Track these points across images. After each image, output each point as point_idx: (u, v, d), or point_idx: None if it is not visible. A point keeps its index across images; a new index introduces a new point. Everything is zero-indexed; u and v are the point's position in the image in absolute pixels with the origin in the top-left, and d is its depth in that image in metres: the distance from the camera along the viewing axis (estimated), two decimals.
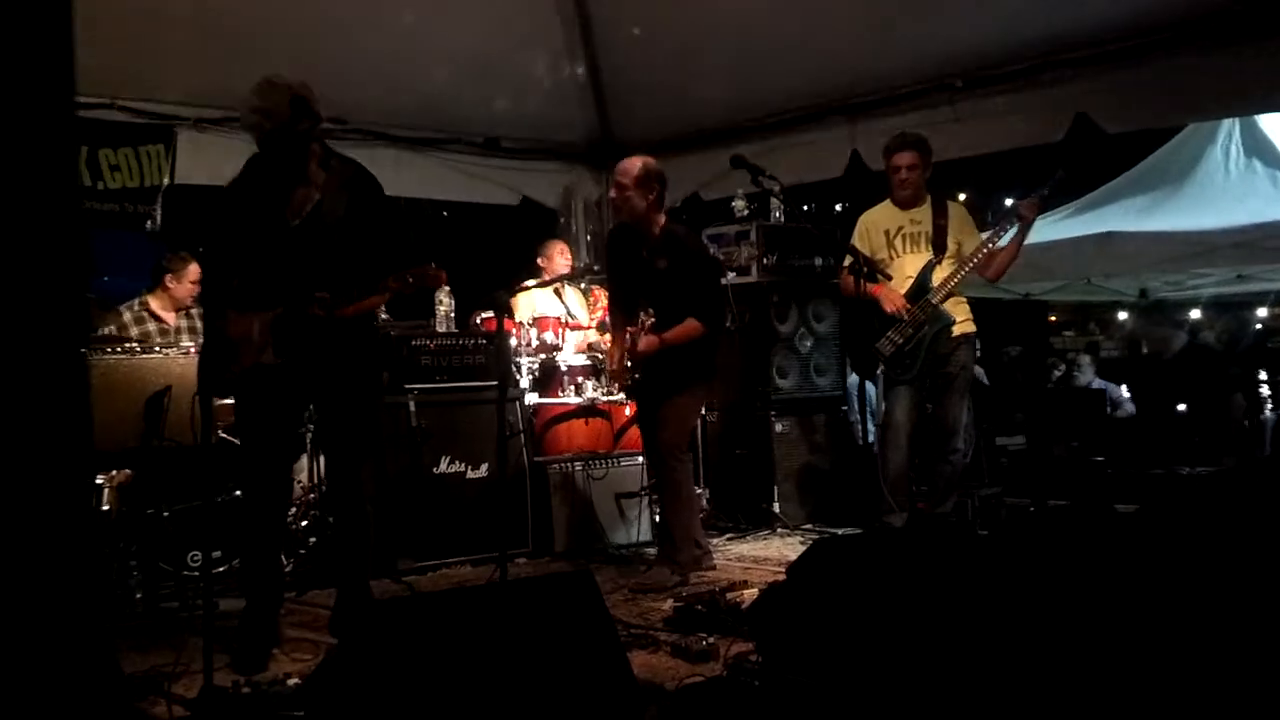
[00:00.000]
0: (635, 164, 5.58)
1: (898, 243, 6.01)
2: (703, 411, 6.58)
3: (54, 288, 1.15)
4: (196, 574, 5.21)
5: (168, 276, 6.47)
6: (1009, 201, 5.82)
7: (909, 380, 5.95)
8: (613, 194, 5.70)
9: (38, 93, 1.14)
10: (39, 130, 1.13)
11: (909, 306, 5.84)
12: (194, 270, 6.44)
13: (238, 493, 4.77)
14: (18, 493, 1.12)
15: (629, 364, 5.69)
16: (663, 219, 5.68)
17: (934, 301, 5.83)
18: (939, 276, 5.86)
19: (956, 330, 5.90)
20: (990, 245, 5.83)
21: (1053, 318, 19.77)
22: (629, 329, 5.70)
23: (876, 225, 6.10)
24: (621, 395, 6.58)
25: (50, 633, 1.16)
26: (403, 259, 4.33)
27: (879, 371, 5.99)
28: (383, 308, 6.29)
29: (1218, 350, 7.35)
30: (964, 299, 6.04)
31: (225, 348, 4.14)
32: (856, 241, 6.02)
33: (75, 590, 1.19)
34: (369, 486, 4.49)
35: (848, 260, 5.84)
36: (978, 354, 6.24)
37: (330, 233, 4.22)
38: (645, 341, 5.53)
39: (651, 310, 5.65)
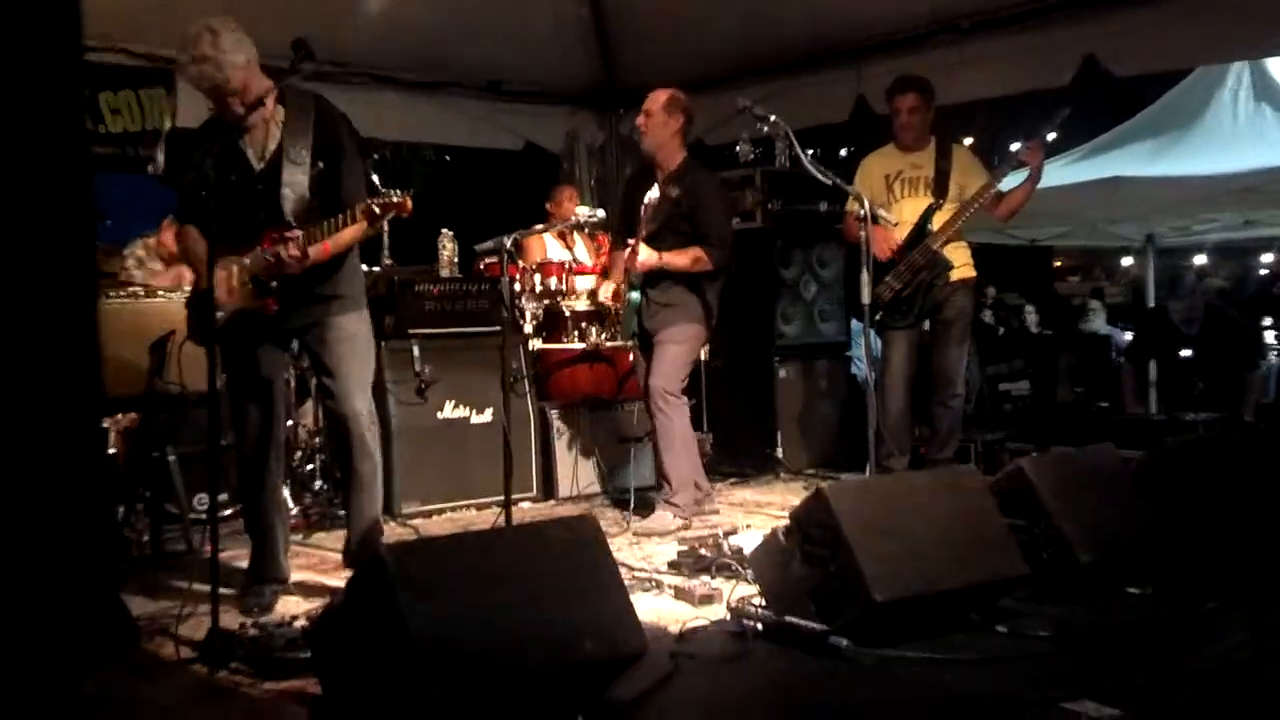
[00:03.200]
0: (663, 93, 5.66)
1: (896, 187, 5.97)
2: (702, 355, 6.56)
3: (63, 232, 1.15)
4: (203, 517, 5.24)
5: (164, 233, 6.41)
6: (1014, 146, 5.75)
7: (907, 326, 5.94)
8: (639, 120, 5.72)
9: (45, 35, 1.13)
10: (47, 73, 1.13)
11: (901, 251, 5.81)
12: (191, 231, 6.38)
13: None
14: (31, 437, 1.12)
15: (623, 286, 5.73)
16: (682, 155, 5.68)
17: (933, 246, 5.80)
18: (939, 221, 5.83)
19: (955, 275, 5.88)
20: (991, 188, 5.77)
21: (1058, 263, 19.72)
22: (630, 240, 5.64)
23: (877, 170, 6.07)
24: (622, 341, 6.56)
25: (61, 575, 1.17)
26: (366, 188, 4.31)
27: (877, 317, 5.97)
28: (386, 253, 6.31)
29: (1239, 320, 7.28)
30: (965, 244, 6.01)
31: (209, 295, 4.09)
32: (857, 185, 5.98)
33: (85, 533, 1.19)
34: (370, 423, 4.45)
35: (852, 205, 5.82)
36: (986, 299, 6.22)
37: (295, 170, 4.18)
38: (645, 253, 5.50)
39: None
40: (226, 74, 4.01)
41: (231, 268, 4.20)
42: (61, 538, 1.16)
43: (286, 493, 5.33)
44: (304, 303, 4.27)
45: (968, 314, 6.06)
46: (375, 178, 5.32)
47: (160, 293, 5.58)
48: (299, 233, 4.10)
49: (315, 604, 4.21)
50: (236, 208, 4.18)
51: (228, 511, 5.36)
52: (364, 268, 4.78)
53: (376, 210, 4.06)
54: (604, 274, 6.68)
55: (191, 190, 4.14)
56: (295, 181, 4.17)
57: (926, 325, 6.04)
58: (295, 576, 4.58)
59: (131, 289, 5.62)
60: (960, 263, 5.92)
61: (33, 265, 1.13)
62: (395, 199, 4.09)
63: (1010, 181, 5.89)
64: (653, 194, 5.60)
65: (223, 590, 3.66)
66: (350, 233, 4.19)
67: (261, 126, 4.22)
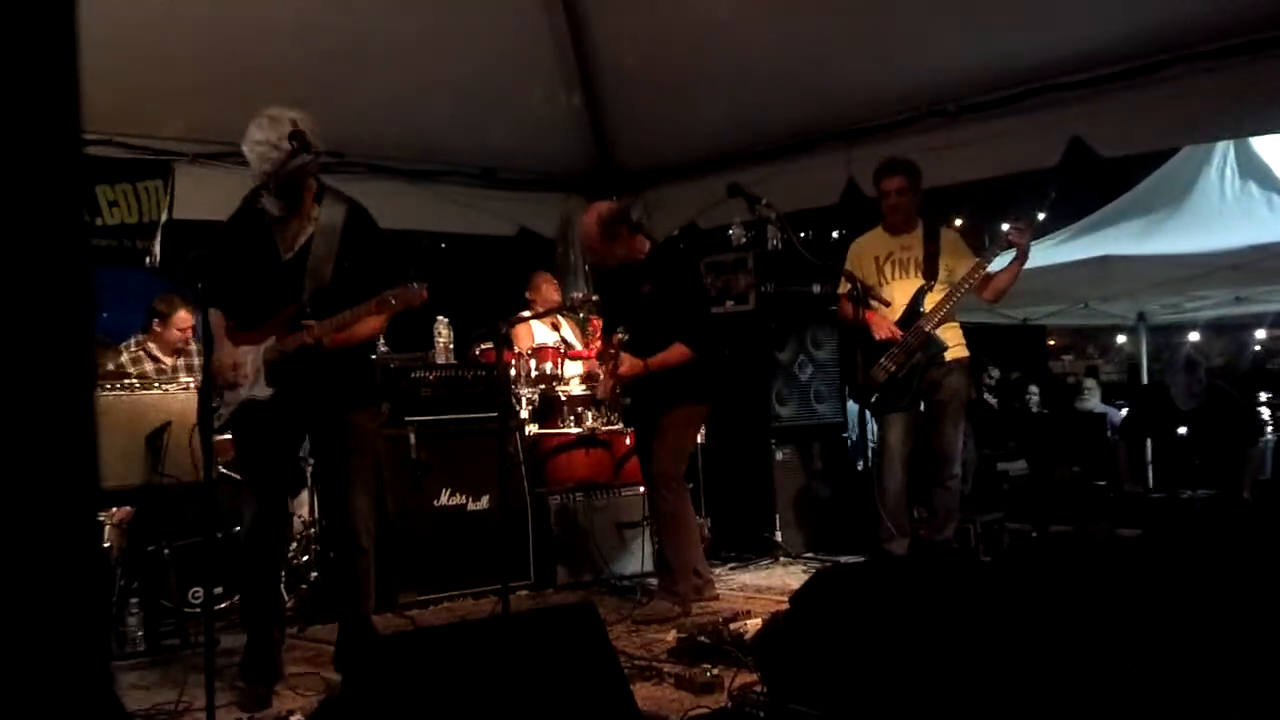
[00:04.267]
0: (590, 223, 5.62)
1: (887, 269, 6.02)
2: (699, 439, 6.56)
3: (64, 326, 1.15)
4: (198, 611, 5.19)
5: (155, 321, 6.44)
6: (1004, 227, 5.80)
7: (903, 407, 5.95)
8: (589, 259, 5.73)
9: (46, 130, 1.15)
10: (48, 168, 1.14)
11: (900, 333, 5.84)
12: (181, 316, 6.42)
13: (237, 528, 4.75)
14: (26, 531, 1.12)
15: (617, 389, 5.69)
16: (646, 245, 5.69)
17: (925, 328, 5.83)
18: (930, 302, 5.86)
19: (949, 356, 5.90)
20: (981, 269, 5.82)
21: (1051, 342, 19.77)
22: (610, 350, 5.66)
23: (867, 252, 6.12)
24: (621, 425, 6.57)
25: (55, 671, 1.16)
26: (397, 280, 4.33)
27: (873, 399, 5.98)
28: (382, 339, 6.31)
29: (1236, 396, 7.31)
30: (957, 324, 6.04)
31: (207, 386, 4.11)
32: (847, 268, 6.02)
33: (81, 628, 1.18)
34: (368, 520, 4.45)
35: (844, 286, 5.87)
36: (993, 380, 6.19)
37: (321, 266, 4.22)
38: (628, 364, 5.50)
39: (626, 330, 5.61)
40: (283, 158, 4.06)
41: (248, 354, 4.22)
42: (56, 633, 1.15)
43: (281, 584, 5.30)
44: (316, 394, 4.28)
45: (962, 394, 6.07)
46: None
47: (157, 385, 5.57)
48: (313, 322, 4.14)
49: (311, 699, 4.15)
50: (258, 294, 4.23)
51: (223, 605, 5.32)
52: None
53: (392, 301, 4.09)
54: (600, 358, 6.68)
55: (214, 273, 4.17)
56: (319, 274, 4.21)
57: (922, 406, 6.05)
58: (290, 669, 4.52)
59: (128, 381, 5.61)
60: (953, 343, 5.94)
61: (32, 357, 1.13)
62: (411, 290, 4.11)
63: (998, 263, 5.94)
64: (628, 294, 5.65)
65: (218, 685, 3.61)
66: (366, 325, 4.23)
67: (295, 220, 4.26)
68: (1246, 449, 7.15)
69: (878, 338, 5.81)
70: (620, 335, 5.58)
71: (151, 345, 6.44)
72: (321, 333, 4.14)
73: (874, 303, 5.74)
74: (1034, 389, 11.21)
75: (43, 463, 1.10)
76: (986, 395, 10.53)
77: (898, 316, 5.87)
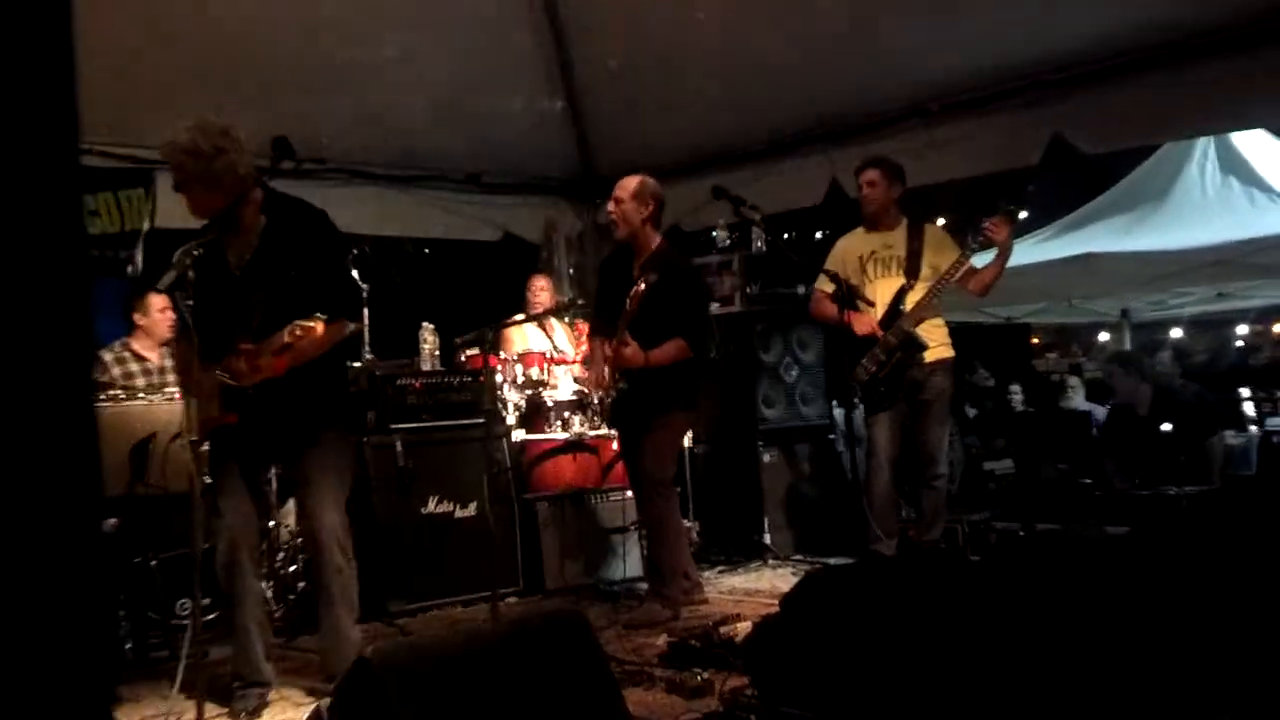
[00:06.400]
0: (633, 179, 5.61)
1: (869, 268, 6.02)
2: (687, 443, 6.55)
3: (62, 334, 1.15)
4: (186, 622, 5.16)
5: (135, 316, 6.39)
6: (984, 223, 5.78)
7: (887, 407, 5.95)
8: (610, 207, 5.66)
9: (43, 139, 1.15)
10: (45, 176, 1.14)
11: (880, 331, 5.84)
12: (155, 300, 6.37)
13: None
14: (30, 542, 1.12)
15: (616, 375, 5.56)
16: (658, 239, 5.66)
17: (906, 327, 5.83)
18: (911, 301, 5.87)
19: (931, 355, 5.89)
20: (962, 265, 5.81)
21: (1035, 340, 19.83)
22: (611, 340, 5.51)
23: (850, 251, 6.12)
24: (606, 430, 6.51)
25: (57, 682, 1.15)
26: (339, 303, 4.22)
27: (855, 399, 5.98)
28: (366, 347, 6.29)
29: (1190, 399, 7.38)
30: (941, 323, 6.03)
31: (195, 402, 4.07)
32: (830, 267, 6.02)
33: (85, 640, 1.18)
34: (343, 537, 4.39)
35: (827, 285, 5.86)
36: (990, 382, 6.18)
37: (267, 280, 4.15)
38: (631, 350, 5.37)
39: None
40: (203, 171, 4.01)
41: (209, 377, 4.17)
42: (60, 644, 1.15)
43: (269, 594, 5.28)
44: (280, 414, 4.22)
45: (947, 393, 6.06)
46: (355, 274, 5.32)
47: (141, 395, 5.54)
48: (250, 346, 4.05)
49: (301, 710, 4.14)
50: (215, 314, 4.14)
51: (211, 616, 5.29)
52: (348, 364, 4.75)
53: (299, 333, 3.94)
54: (585, 362, 6.65)
55: (182, 300, 4.11)
56: (268, 288, 4.14)
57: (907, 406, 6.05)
58: (279, 680, 4.50)
59: (112, 392, 5.58)
60: (937, 342, 5.93)
61: (34, 367, 1.13)
62: (308, 324, 3.94)
63: (982, 260, 5.94)
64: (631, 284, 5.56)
65: (206, 697, 3.60)
66: (306, 345, 4.05)
67: (244, 233, 4.21)
68: (1205, 440, 7.20)
69: (859, 334, 5.81)
70: (624, 326, 5.41)
71: (135, 345, 6.38)
72: (257, 360, 4.04)
73: (859, 303, 5.75)
74: (1015, 388, 11.24)
75: (46, 470, 1.10)
76: (969, 406, 10.54)
77: (881, 316, 5.87)
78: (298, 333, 3.92)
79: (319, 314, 3.95)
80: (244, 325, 4.11)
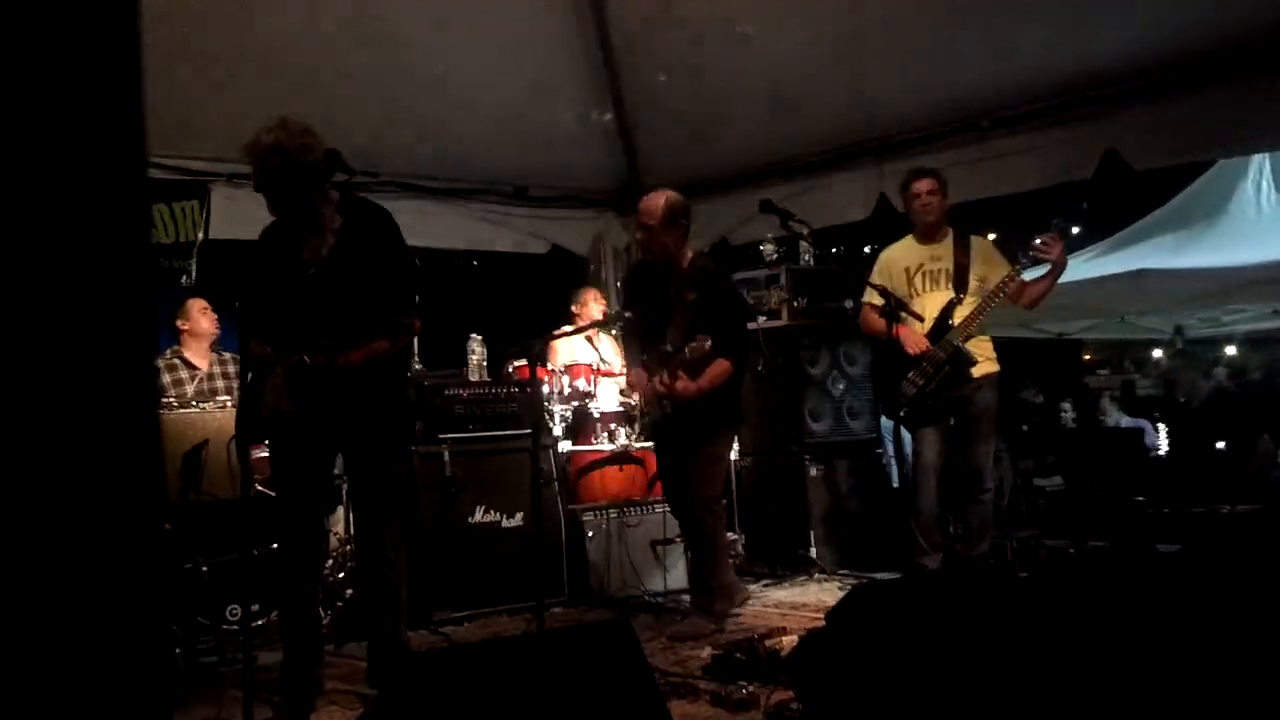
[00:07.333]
0: (659, 201, 5.48)
1: (918, 280, 5.97)
2: (733, 456, 6.53)
3: (131, 341, 1.18)
4: (235, 628, 5.21)
5: (179, 322, 6.47)
6: (1036, 241, 5.72)
7: (933, 422, 5.91)
8: (639, 235, 5.59)
9: (112, 147, 1.18)
10: (116, 188, 1.17)
11: (930, 348, 5.80)
12: (196, 303, 6.46)
13: (274, 545, 4.78)
14: (98, 548, 1.14)
15: (665, 402, 5.44)
16: (690, 253, 5.62)
17: (955, 342, 5.79)
18: (960, 315, 5.83)
19: (978, 371, 5.85)
20: (1013, 281, 5.76)
21: (1087, 356, 19.66)
22: (661, 372, 5.41)
23: (897, 263, 6.08)
24: (645, 440, 6.44)
25: (122, 687, 1.17)
26: (406, 302, 4.35)
27: (901, 414, 5.94)
28: (416, 358, 6.34)
29: (1241, 396, 7.34)
30: (988, 338, 5.99)
31: (255, 396, 4.17)
32: (877, 279, 5.98)
33: (148, 644, 1.20)
34: (398, 538, 4.46)
35: (874, 298, 5.82)
36: (1039, 399, 6.14)
37: (344, 278, 4.24)
38: (682, 389, 5.33)
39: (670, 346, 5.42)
40: (288, 165, 4.09)
41: (276, 371, 4.24)
42: (126, 653, 1.17)
43: (318, 600, 5.32)
44: (345, 412, 4.28)
45: (993, 409, 6.02)
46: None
47: (193, 403, 5.61)
48: (330, 342, 4.15)
49: (348, 715, 4.16)
50: (286, 310, 4.25)
51: (260, 621, 5.34)
52: None
53: (391, 330, 4.11)
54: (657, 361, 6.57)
55: (247, 302, 4.22)
56: (341, 288, 4.23)
57: (952, 421, 6.00)
58: (327, 686, 4.53)
59: (165, 399, 5.65)
60: (984, 357, 5.89)
61: (102, 372, 1.16)
62: (404, 320, 4.15)
63: (1033, 274, 5.89)
64: (677, 317, 5.45)
65: (255, 702, 3.63)
66: (379, 345, 4.23)
67: (319, 233, 4.29)
68: (1253, 441, 7.14)
69: (910, 354, 5.77)
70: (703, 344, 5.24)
71: (185, 353, 6.46)
72: (335, 356, 4.15)
73: (906, 317, 5.71)
74: (1066, 405, 11.15)
75: (113, 476, 1.12)
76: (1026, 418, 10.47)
77: (928, 329, 5.84)
78: (390, 329, 4.11)
79: (390, 314, 4.13)
80: (321, 321, 4.20)
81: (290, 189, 4.16)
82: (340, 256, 4.27)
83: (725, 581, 5.61)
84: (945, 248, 5.97)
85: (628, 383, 6.29)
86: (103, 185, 1.14)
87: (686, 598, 6.05)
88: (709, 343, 5.18)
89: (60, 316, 1.09)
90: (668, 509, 6.40)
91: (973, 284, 5.86)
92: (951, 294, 5.86)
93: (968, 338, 5.79)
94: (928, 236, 6.03)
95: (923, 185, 5.97)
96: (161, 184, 6.65)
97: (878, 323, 5.89)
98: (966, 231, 6.05)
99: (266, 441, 4.68)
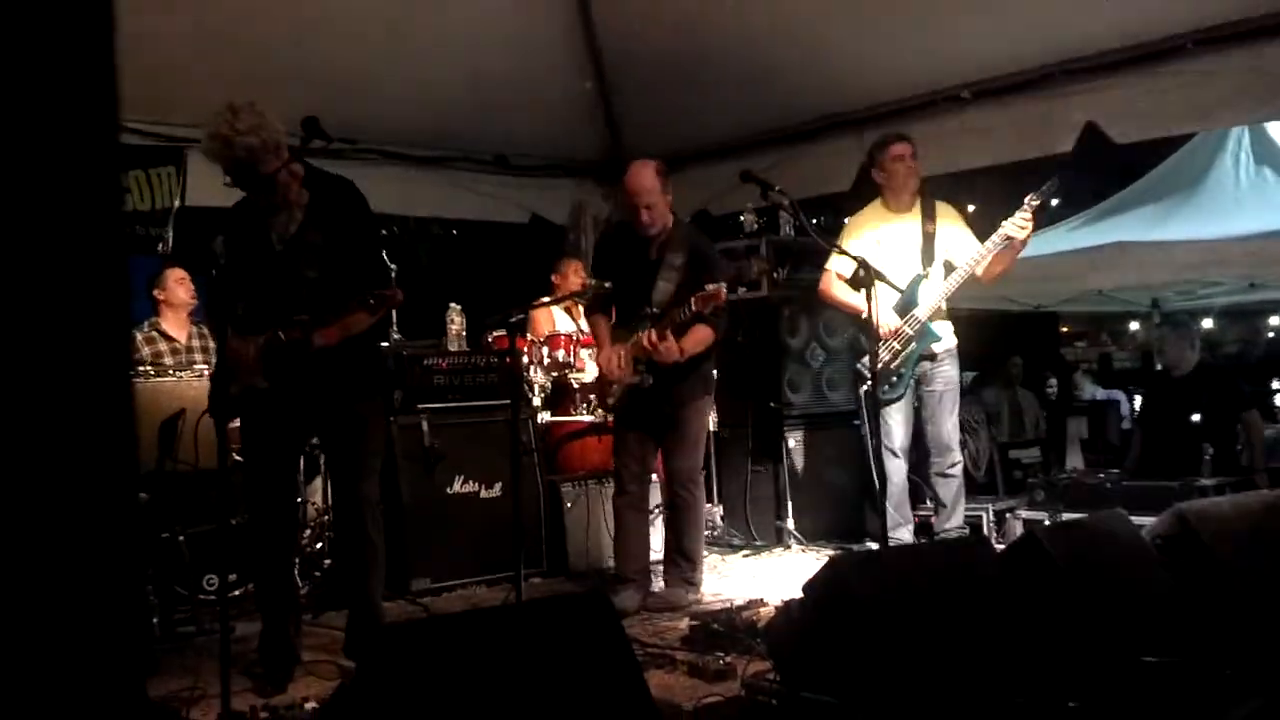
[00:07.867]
0: (649, 174, 5.38)
1: (884, 252, 5.92)
2: (711, 426, 6.52)
3: (100, 312, 1.17)
4: (213, 597, 5.21)
5: (155, 292, 6.43)
6: (1005, 224, 5.69)
7: (898, 397, 5.93)
8: (644, 217, 5.38)
9: (84, 116, 1.16)
10: (85, 155, 1.15)
11: (898, 326, 5.81)
12: (173, 272, 6.42)
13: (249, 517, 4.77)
14: (71, 518, 1.14)
15: (639, 368, 5.38)
16: (672, 215, 5.57)
17: (920, 318, 5.80)
18: (926, 290, 5.84)
19: (940, 347, 5.89)
20: (979, 260, 5.76)
21: (1064, 328, 19.74)
22: (649, 331, 5.27)
23: (866, 232, 6.03)
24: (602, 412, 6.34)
25: (92, 660, 1.17)
26: (383, 273, 4.34)
27: (863, 389, 5.94)
28: (394, 327, 6.31)
29: (1229, 369, 7.38)
30: (947, 313, 6.02)
31: (227, 371, 4.15)
32: (850, 248, 5.94)
33: (122, 613, 1.19)
34: (375, 510, 4.46)
35: (841, 265, 5.80)
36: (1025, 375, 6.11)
37: (313, 254, 4.22)
38: (666, 349, 5.22)
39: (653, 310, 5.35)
40: (238, 153, 4.06)
41: (248, 347, 4.22)
42: (96, 621, 1.16)
43: (295, 571, 5.31)
44: (319, 386, 4.27)
45: (956, 382, 6.08)
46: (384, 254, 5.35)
47: (170, 372, 5.58)
48: (305, 317, 4.12)
49: (326, 685, 4.17)
50: (257, 287, 4.23)
51: (237, 591, 5.34)
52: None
53: (371, 302, 4.09)
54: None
55: (217, 279, 4.19)
56: (312, 264, 4.21)
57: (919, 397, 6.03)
58: (305, 656, 4.53)
59: (142, 369, 5.62)
60: (944, 333, 5.94)
61: (73, 342, 1.15)
62: (387, 292, 4.12)
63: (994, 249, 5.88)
64: (663, 280, 5.42)
65: (233, 672, 3.63)
66: (356, 319, 4.20)
67: (286, 208, 4.27)
68: (1242, 413, 7.18)
69: (884, 335, 5.76)
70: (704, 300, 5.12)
71: (163, 324, 6.42)
72: (311, 333, 4.12)
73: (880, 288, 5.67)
74: (1054, 381, 11.20)
75: (86, 447, 1.11)
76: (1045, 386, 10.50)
77: (894, 303, 5.82)
78: (371, 303, 4.08)
79: (366, 287, 4.07)
80: (292, 297, 4.17)
81: (250, 174, 4.12)
82: (308, 232, 4.25)
83: (700, 551, 5.63)
84: (913, 217, 5.96)
85: (598, 364, 6.10)
86: (74, 150, 1.13)
87: (662, 568, 6.06)
88: (723, 289, 5.09)
89: (30, 282, 1.08)
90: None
91: (938, 256, 5.87)
92: (919, 267, 5.86)
93: (934, 312, 5.82)
94: (898, 204, 6.00)
95: (905, 148, 5.94)
96: (137, 150, 6.60)
97: (844, 292, 5.88)
98: (931, 199, 6.03)
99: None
